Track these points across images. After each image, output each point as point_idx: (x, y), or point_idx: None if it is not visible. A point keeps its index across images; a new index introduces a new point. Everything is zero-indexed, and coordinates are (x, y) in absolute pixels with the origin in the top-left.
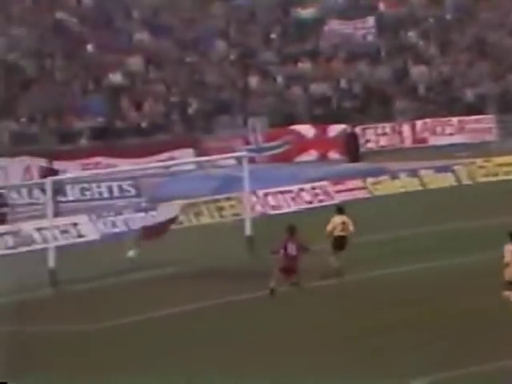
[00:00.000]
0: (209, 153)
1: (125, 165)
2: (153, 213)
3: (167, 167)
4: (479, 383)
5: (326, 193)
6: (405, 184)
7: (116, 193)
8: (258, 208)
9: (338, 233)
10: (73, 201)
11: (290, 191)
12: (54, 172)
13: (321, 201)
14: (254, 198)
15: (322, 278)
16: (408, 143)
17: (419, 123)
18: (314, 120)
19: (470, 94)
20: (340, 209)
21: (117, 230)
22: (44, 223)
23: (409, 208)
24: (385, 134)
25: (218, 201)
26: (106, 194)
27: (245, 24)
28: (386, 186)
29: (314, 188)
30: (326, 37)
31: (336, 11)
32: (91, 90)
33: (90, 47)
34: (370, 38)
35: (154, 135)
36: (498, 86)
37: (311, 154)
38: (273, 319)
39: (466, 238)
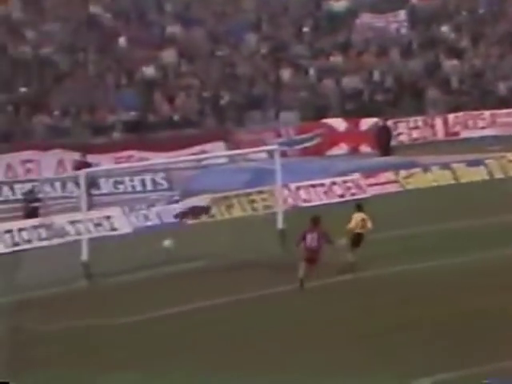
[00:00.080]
0: (240, 146)
1: (157, 158)
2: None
3: (199, 160)
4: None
5: (358, 186)
6: (437, 177)
7: (149, 186)
8: (290, 201)
9: (357, 230)
10: (106, 194)
11: (322, 184)
12: (88, 165)
13: (353, 194)
14: (285, 192)
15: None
16: (440, 136)
17: (451, 117)
18: (345, 113)
19: (502, 87)
20: (359, 206)
21: (149, 223)
22: (77, 216)
23: (440, 202)
24: (417, 127)
25: (249, 194)
26: (138, 188)
27: (277, 17)
28: (418, 180)
29: (345, 181)
30: (358, 30)
31: (368, 4)
32: (124, 83)
33: (122, 41)
34: (402, 31)
35: (186, 128)
36: None
37: (342, 148)
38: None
39: (499, 233)
